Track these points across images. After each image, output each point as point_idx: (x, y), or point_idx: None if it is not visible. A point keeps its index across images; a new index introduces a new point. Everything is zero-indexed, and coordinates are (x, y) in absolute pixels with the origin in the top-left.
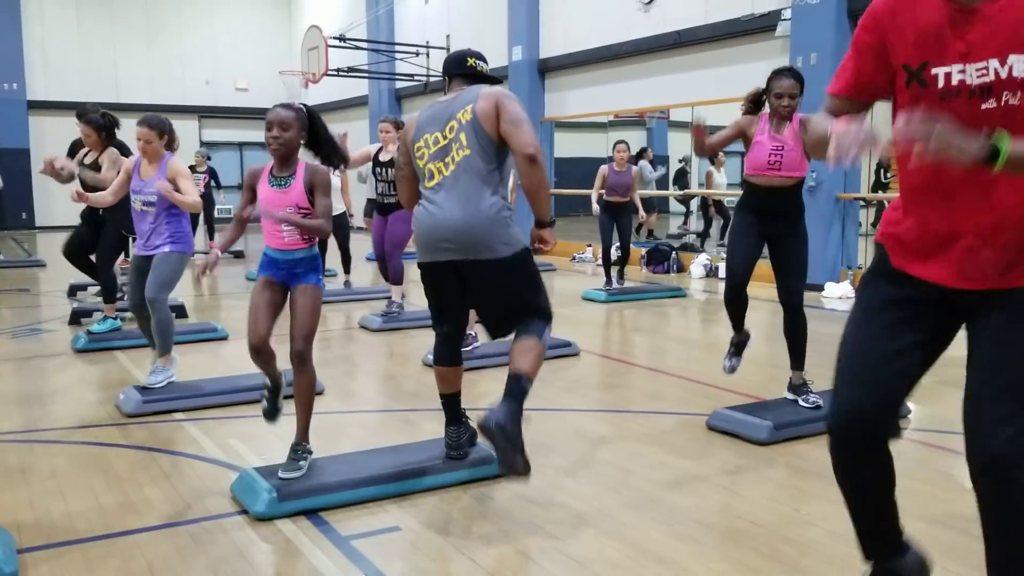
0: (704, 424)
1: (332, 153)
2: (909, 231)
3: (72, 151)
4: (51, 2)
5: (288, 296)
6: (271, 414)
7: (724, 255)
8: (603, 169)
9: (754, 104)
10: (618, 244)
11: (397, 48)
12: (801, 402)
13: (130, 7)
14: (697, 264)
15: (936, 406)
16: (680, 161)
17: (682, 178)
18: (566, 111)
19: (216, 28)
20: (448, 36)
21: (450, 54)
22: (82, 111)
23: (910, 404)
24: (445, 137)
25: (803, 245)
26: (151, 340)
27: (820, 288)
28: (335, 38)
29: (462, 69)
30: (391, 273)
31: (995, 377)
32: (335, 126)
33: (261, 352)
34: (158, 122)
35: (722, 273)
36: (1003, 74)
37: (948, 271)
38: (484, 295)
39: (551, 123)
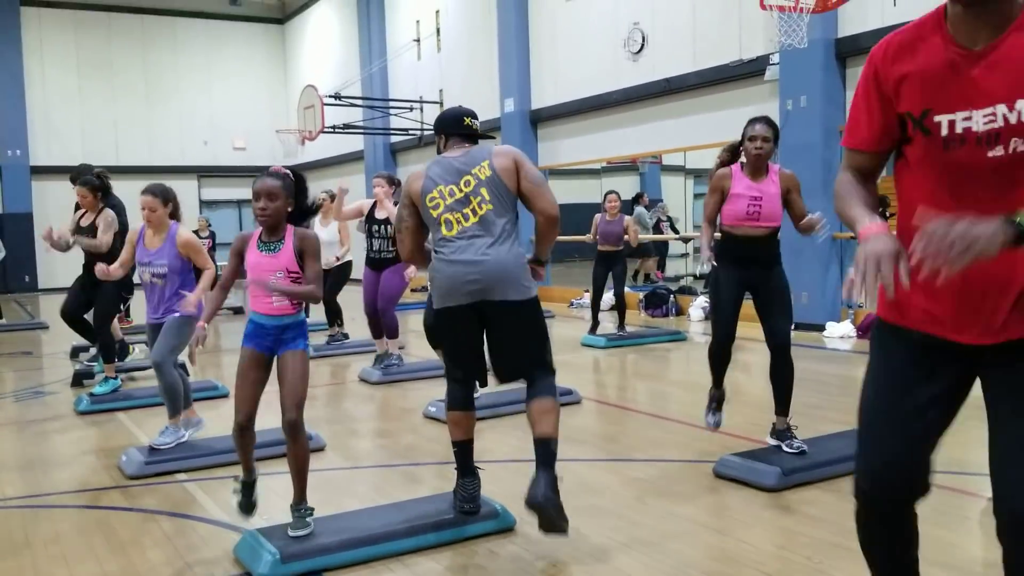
0: (710, 471)
1: (308, 217)
2: (922, 293)
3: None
4: (52, 68)
5: (273, 363)
6: (247, 508)
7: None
8: (596, 218)
9: (731, 153)
10: (613, 292)
11: (391, 104)
12: (785, 448)
13: (129, 70)
14: (695, 307)
15: (951, 447)
16: (656, 210)
17: (657, 225)
18: (559, 160)
19: (213, 89)
20: (441, 91)
21: (444, 114)
22: (75, 174)
23: None
24: (461, 190)
25: (784, 288)
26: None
27: (821, 328)
28: (330, 96)
29: (460, 129)
30: (386, 327)
31: (1020, 432)
32: (332, 182)
33: (246, 431)
34: (162, 191)
35: None
36: (1012, 119)
37: (969, 328)
38: (503, 337)
39: (545, 172)
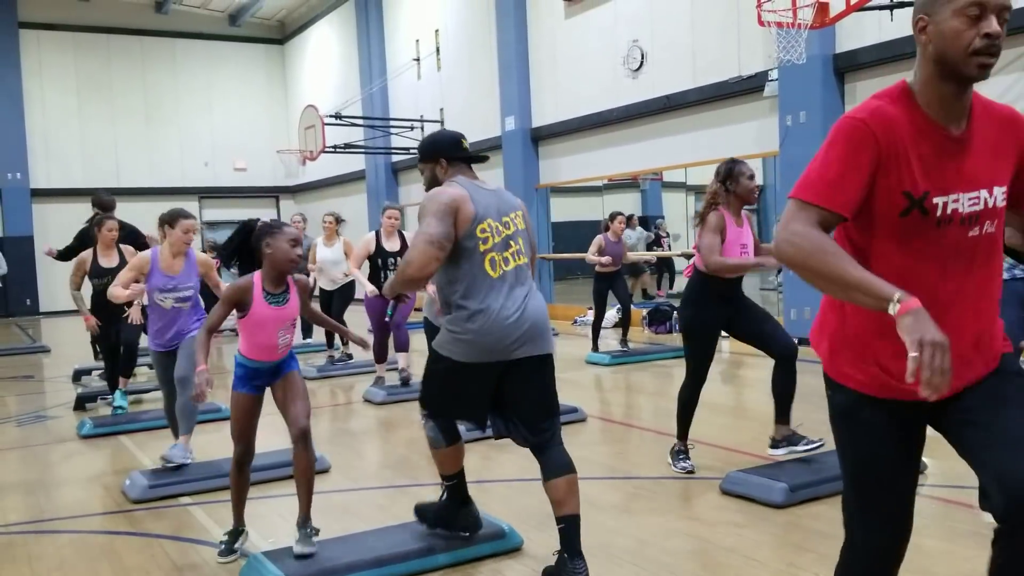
0: (717, 487)
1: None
2: (893, 360)
3: (81, 241)
4: (52, 90)
5: (263, 396)
6: (225, 553)
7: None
8: (600, 240)
9: (723, 188)
10: (618, 307)
11: (392, 123)
12: (801, 448)
13: (129, 92)
14: None
15: (950, 460)
16: (654, 227)
17: (656, 241)
18: (560, 177)
19: (214, 110)
20: (442, 109)
21: (437, 137)
22: (108, 201)
23: (925, 459)
24: (501, 232)
25: (761, 308)
26: (175, 425)
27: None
28: (331, 116)
29: (460, 152)
30: (399, 342)
31: (1005, 422)
32: (333, 202)
33: (244, 467)
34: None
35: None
36: (990, 203)
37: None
38: (534, 393)
39: (546, 189)
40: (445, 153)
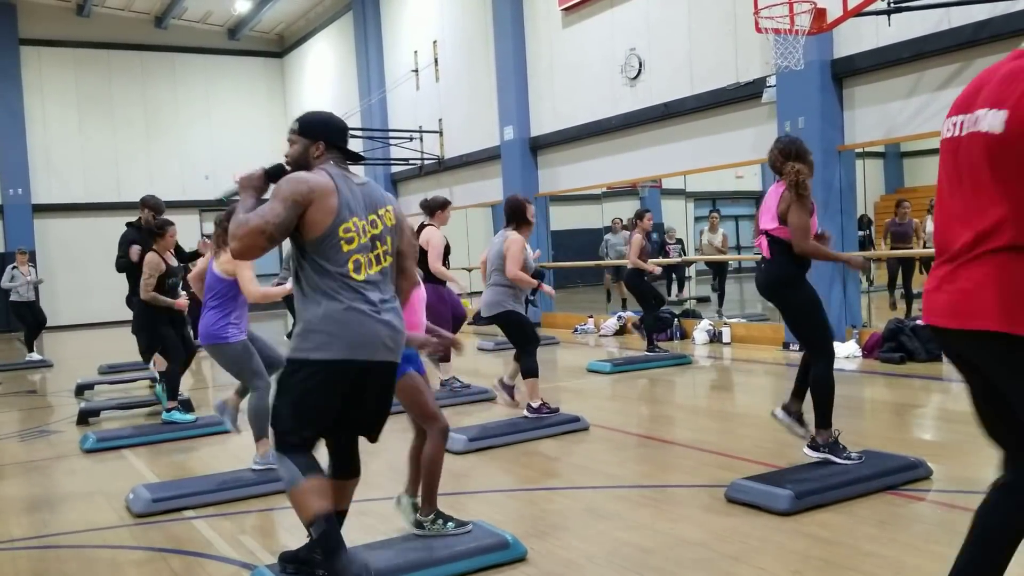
0: (722, 496)
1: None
2: None
3: (128, 244)
4: (53, 106)
5: None
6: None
7: (726, 320)
8: (641, 240)
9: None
10: (619, 315)
11: (391, 134)
12: (841, 460)
13: (129, 107)
14: (700, 330)
15: (957, 465)
16: (663, 233)
17: (662, 248)
18: (559, 186)
19: (214, 124)
20: (440, 120)
21: (325, 117)
22: (161, 207)
23: (931, 465)
24: (367, 231)
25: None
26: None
27: None
28: None
29: (344, 140)
30: None
31: None
32: None
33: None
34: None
35: (725, 338)
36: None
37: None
38: (383, 400)
39: (545, 198)
40: (327, 136)
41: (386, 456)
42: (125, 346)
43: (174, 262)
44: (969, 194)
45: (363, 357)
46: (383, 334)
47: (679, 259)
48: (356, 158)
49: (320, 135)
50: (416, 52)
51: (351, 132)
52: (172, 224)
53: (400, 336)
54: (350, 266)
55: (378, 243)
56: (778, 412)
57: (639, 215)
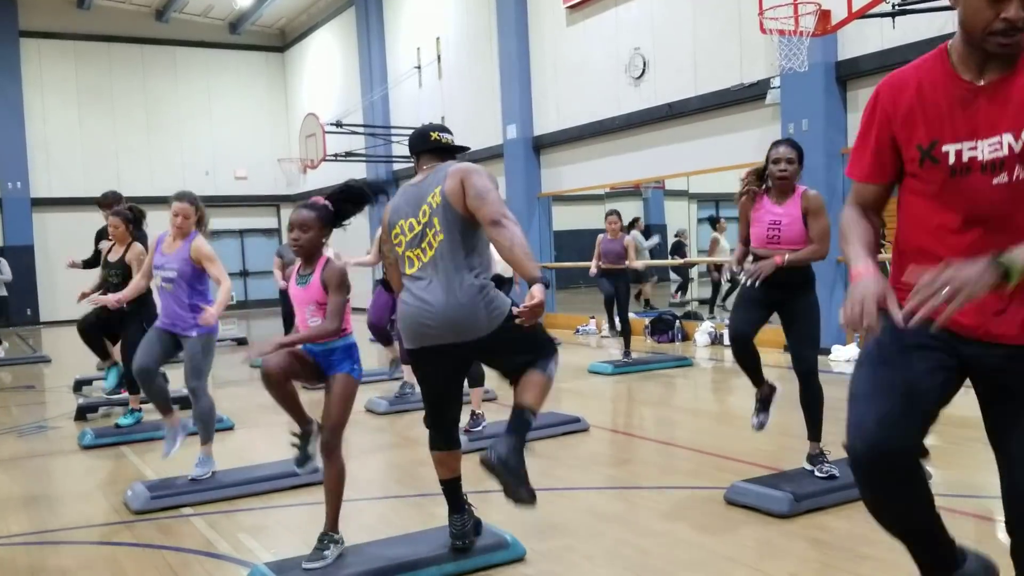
0: (721, 498)
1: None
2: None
3: (99, 239)
4: (53, 99)
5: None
6: (300, 462)
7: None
8: (598, 238)
9: (756, 176)
10: (618, 317)
11: (393, 131)
12: (816, 472)
13: (130, 102)
14: (701, 332)
15: (957, 469)
16: (676, 235)
17: (679, 250)
18: (562, 186)
19: (214, 119)
20: (443, 117)
21: (414, 132)
22: (107, 201)
23: (931, 468)
24: (419, 223)
25: (811, 313)
26: (158, 406)
27: (827, 352)
28: (332, 124)
29: (427, 144)
30: (398, 338)
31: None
32: None
33: (271, 383)
34: (196, 199)
35: (727, 340)
36: (1016, 148)
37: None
38: (485, 358)
39: (548, 198)
40: (413, 147)
41: (387, 456)
42: None
43: (112, 256)
44: None
45: (416, 346)
46: (423, 320)
47: (681, 261)
48: (440, 153)
49: (413, 149)
50: (419, 49)
51: (352, 128)
52: (105, 210)
53: (443, 312)
54: (405, 264)
55: (427, 231)
56: (755, 421)
57: (606, 217)
